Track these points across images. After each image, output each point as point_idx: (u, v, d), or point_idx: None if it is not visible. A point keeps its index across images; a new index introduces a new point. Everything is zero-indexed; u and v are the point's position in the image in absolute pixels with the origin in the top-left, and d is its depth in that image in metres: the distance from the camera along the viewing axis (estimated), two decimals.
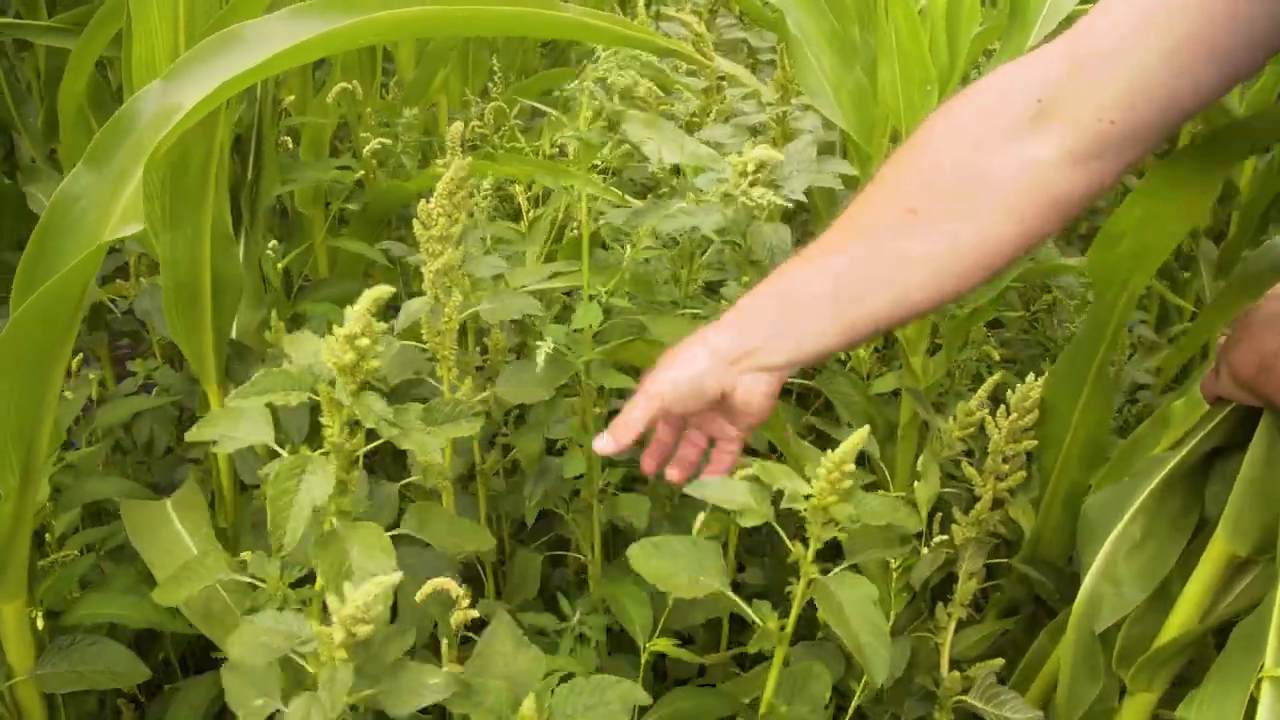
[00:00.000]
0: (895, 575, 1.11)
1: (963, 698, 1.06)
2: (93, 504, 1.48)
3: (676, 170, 1.38)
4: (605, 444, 0.87)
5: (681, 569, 0.80)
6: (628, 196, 1.92)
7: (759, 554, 1.48)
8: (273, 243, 1.29)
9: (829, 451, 0.76)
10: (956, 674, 1.08)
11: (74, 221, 0.86)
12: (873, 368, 1.49)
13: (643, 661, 1.00)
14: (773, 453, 1.37)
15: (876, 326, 0.80)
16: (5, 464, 0.89)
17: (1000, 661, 1.07)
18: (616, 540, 1.33)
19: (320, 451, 0.73)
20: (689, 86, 1.87)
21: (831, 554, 0.95)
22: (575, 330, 1.06)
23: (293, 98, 1.50)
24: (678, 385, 0.83)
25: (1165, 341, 1.88)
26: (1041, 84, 0.72)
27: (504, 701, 0.72)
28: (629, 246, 1.18)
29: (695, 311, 1.24)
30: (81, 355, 1.54)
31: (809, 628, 1.07)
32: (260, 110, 1.31)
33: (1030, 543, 1.22)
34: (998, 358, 1.59)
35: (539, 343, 0.95)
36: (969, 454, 1.25)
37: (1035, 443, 1.11)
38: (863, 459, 1.38)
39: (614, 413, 0.89)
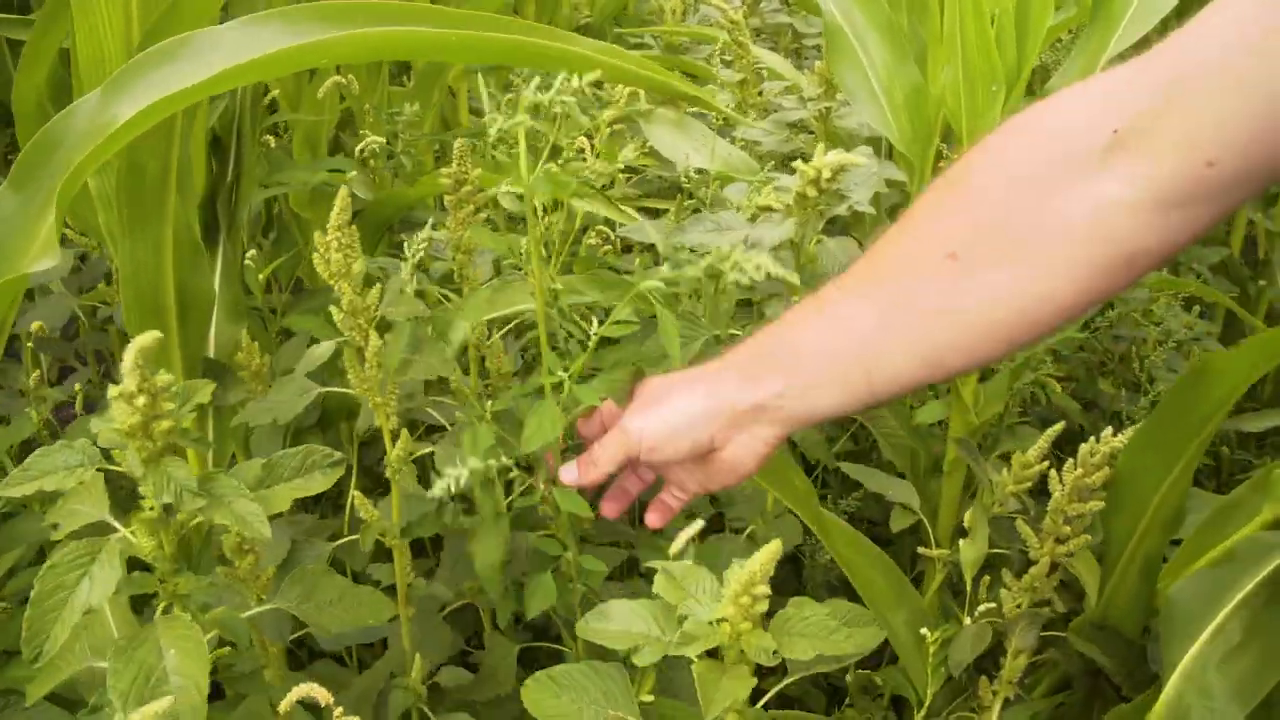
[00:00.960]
0: (931, 649, 0.96)
1: None
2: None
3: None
4: (569, 475, 0.78)
5: (586, 704, 0.67)
6: (637, 206, 1.78)
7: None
8: (251, 252, 1.17)
9: (736, 566, 0.62)
10: None
11: None
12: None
13: None
14: None
15: (902, 389, 0.67)
16: None
17: None
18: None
19: (126, 531, 0.61)
20: (723, 81, 1.72)
21: None
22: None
23: (277, 92, 1.37)
24: (665, 432, 0.72)
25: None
26: (1119, 110, 0.57)
27: None
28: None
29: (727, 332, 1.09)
30: (55, 367, 1.43)
31: None
32: (240, 106, 1.19)
33: (1095, 611, 1.06)
34: (1058, 388, 1.42)
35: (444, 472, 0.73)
36: (1023, 509, 1.10)
37: (1103, 504, 0.95)
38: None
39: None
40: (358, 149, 1.34)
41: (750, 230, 0.94)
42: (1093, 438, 0.96)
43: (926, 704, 1.01)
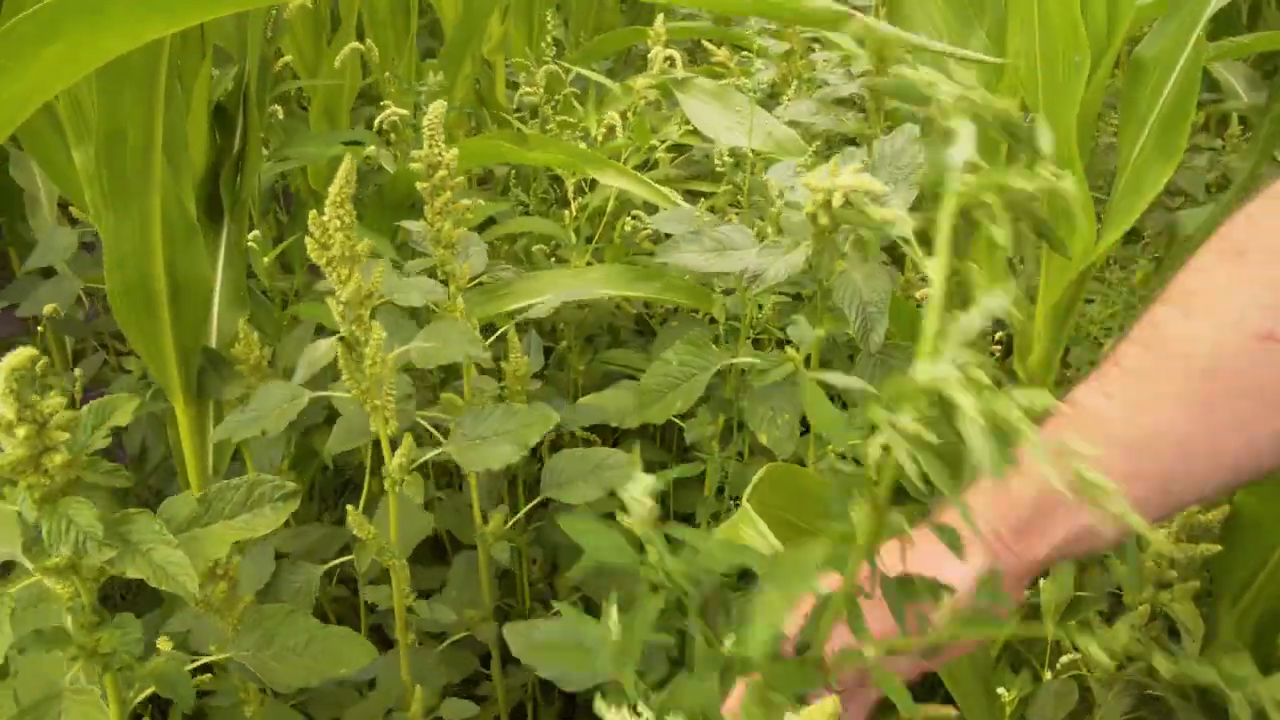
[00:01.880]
0: (1008, 709, 0.84)
1: None
2: None
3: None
4: None
5: None
6: (682, 189, 1.66)
7: None
8: (253, 233, 1.08)
9: None
10: None
11: None
12: None
13: None
14: None
15: (1201, 499, 0.59)
16: None
17: None
18: None
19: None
20: (766, 52, 1.60)
21: None
22: None
23: (289, 58, 1.28)
24: None
25: None
26: None
27: None
28: None
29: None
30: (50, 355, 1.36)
31: None
32: (245, 72, 1.10)
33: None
34: None
35: None
36: None
37: (1219, 548, 0.82)
38: None
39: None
40: (376, 121, 1.24)
41: (754, 260, 0.82)
42: None
43: None
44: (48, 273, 1.24)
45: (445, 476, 1.24)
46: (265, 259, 1.12)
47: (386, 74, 1.35)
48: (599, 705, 0.44)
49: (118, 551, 0.53)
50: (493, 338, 1.01)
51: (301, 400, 0.76)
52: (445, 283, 0.90)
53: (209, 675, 0.75)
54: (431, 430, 0.94)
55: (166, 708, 0.88)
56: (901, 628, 0.45)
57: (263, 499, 0.63)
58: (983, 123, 0.33)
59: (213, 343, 1.13)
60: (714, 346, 1.00)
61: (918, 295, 1.36)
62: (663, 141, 1.34)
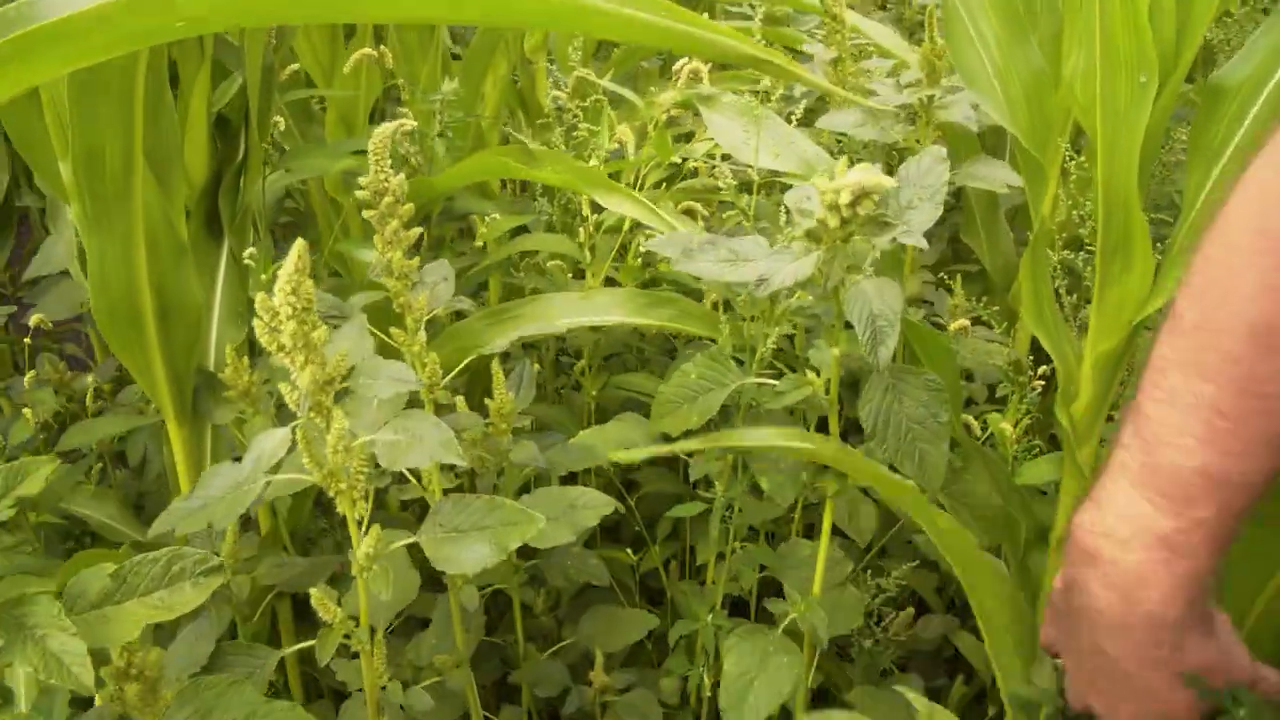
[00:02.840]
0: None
1: None
2: (79, 531, 1.29)
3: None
4: None
5: None
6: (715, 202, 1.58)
7: None
8: (249, 250, 1.03)
9: None
10: None
11: None
12: (1018, 446, 1.11)
13: None
14: None
15: None
16: None
17: None
18: None
19: None
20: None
21: None
22: None
23: (295, 67, 1.23)
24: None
25: None
26: None
27: None
28: None
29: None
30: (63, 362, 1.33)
31: None
32: (247, 83, 1.04)
33: None
34: None
35: None
36: None
37: None
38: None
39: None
40: (388, 129, 1.18)
41: (763, 266, 0.74)
42: None
43: None
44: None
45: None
46: (264, 276, 1.07)
47: (401, 81, 1.29)
48: None
49: (5, 640, 0.48)
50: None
51: (254, 488, 0.69)
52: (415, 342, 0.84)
53: None
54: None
55: None
56: None
57: (183, 574, 0.57)
58: None
59: (210, 362, 1.09)
60: (735, 366, 0.93)
61: (951, 327, 1.27)
62: (683, 160, 1.26)
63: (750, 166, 1.67)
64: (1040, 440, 1.14)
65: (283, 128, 1.15)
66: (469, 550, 0.70)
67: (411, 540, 0.74)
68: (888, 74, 1.54)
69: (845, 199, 0.68)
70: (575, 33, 1.48)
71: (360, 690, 0.81)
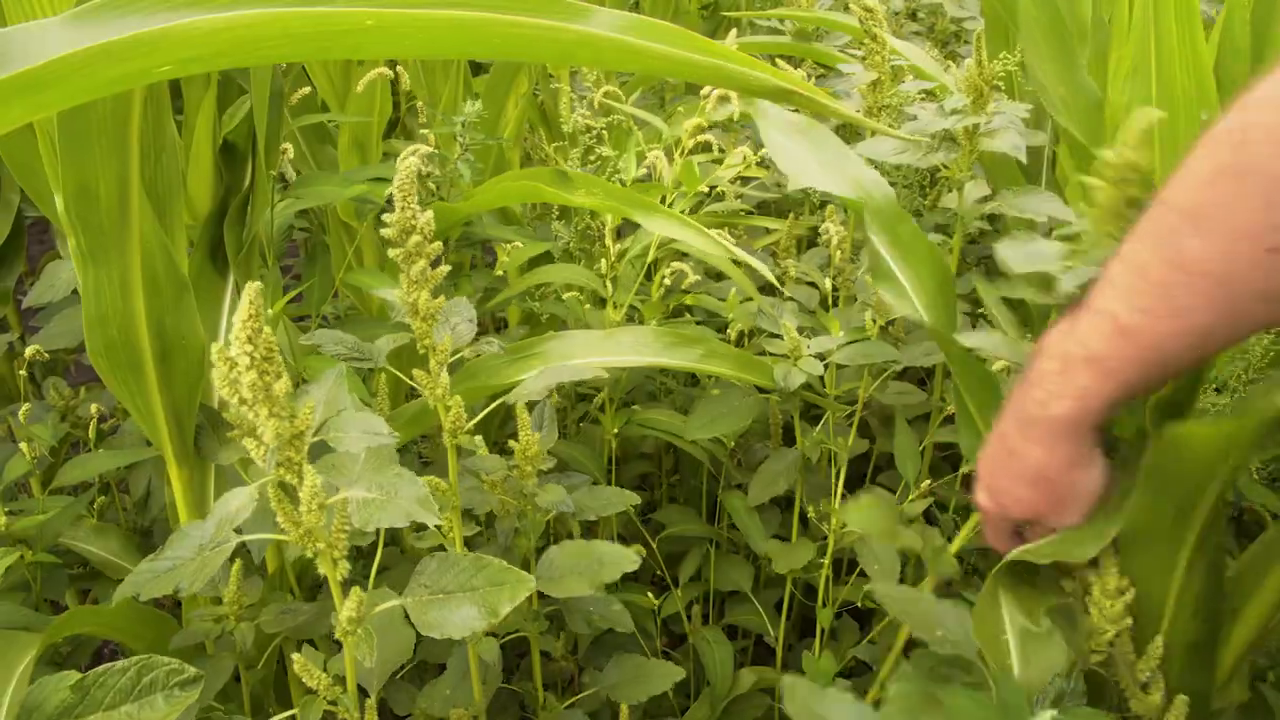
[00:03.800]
0: None
1: None
2: (81, 566, 1.25)
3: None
4: None
5: None
6: (745, 224, 1.52)
7: None
8: (254, 283, 0.98)
9: None
10: None
11: None
12: None
13: None
14: None
15: None
16: None
17: None
18: None
19: None
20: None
21: None
22: None
23: (307, 90, 1.18)
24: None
25: None
26: None
27: None
28: None
29: None
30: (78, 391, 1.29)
31: None
32: (254, 108, 1.00)
33: None
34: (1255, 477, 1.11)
35: None
36: None
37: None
38: None
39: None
40: (403, 154, 1.13)
41: None
42: None
43: None
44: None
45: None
46: (273, 309, 1.02)
47: (419, 102, 1.25)
48: None
49: None
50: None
51: (226, 548, 0.65)
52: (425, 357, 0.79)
53: None
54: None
55: None
56: None
57: (154, 686, 0.52)
58: None
59: (215, 401, 1.04)
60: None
61: (995, 365, 1.20)
62: (712, 186, 1.21)
63: (782, 186, 1.61)
64: None
65: (292, 154, 1.10)
66: (456, 614, 0.66)
67: (397, 603, 0.69)
68: (921, 94, 1.48)
69: None
70: (601, 68, 1.44)
71: None
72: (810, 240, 1.57)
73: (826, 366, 1.13)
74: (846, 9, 1.95)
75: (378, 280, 1.10)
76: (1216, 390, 0.98)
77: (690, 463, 1.42)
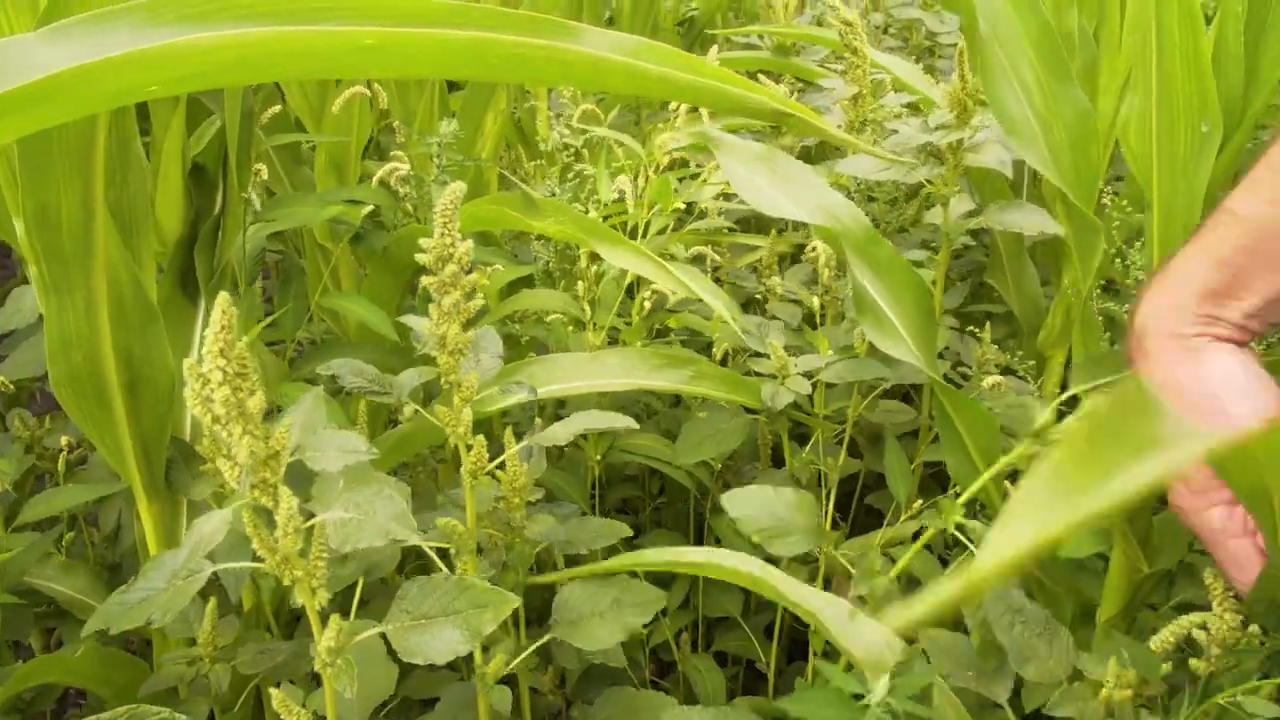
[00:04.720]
0: None
1: None
2: (48, 605, 1.20)
3: None
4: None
5: None
6: (728, 242, 1.50)
7: None
8: (223, 294, 0.95)
9: None
10: None
11: None
12: None
13: None
14: None
15: None
16: None
17: None
18: None
19: None
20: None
21: None
22: None
23: (278, 108, 1.15)
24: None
25: None
26: None
27: None
28: None
29: None
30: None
31: None
32: (226, 128, 0.97)
33: None
34: None
35: None
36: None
37: None
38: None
39: None
40: (379, 174, 1.11)
41: None
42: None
43: None
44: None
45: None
46: (246, 337, 0.99)
47: (397, 122, 1.22)
48: None
49: None
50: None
51: (200, 577, 0.62)
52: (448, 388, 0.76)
53: None
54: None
55: None
56: None
57: None
58: None
59: (186, 433, 1.01)
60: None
61: (985, 382, 1.19)
62: (689, 204, 1.19)
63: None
64: None
65: (265, 175, 1.07)
66: (438, 638, 0.63)
67: (378, 630, 0.66)
68: (905, 108, 1.47)
69: None
70: (605, 92, 1.42)
71: None
72: (794, 256, 1.55)
73: (815, 385, 1.11)
74: (821, 23, 1.95)
75: (357, 304, 1.07)
76: None
77: (675, 486, 1.39)
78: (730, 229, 1.52)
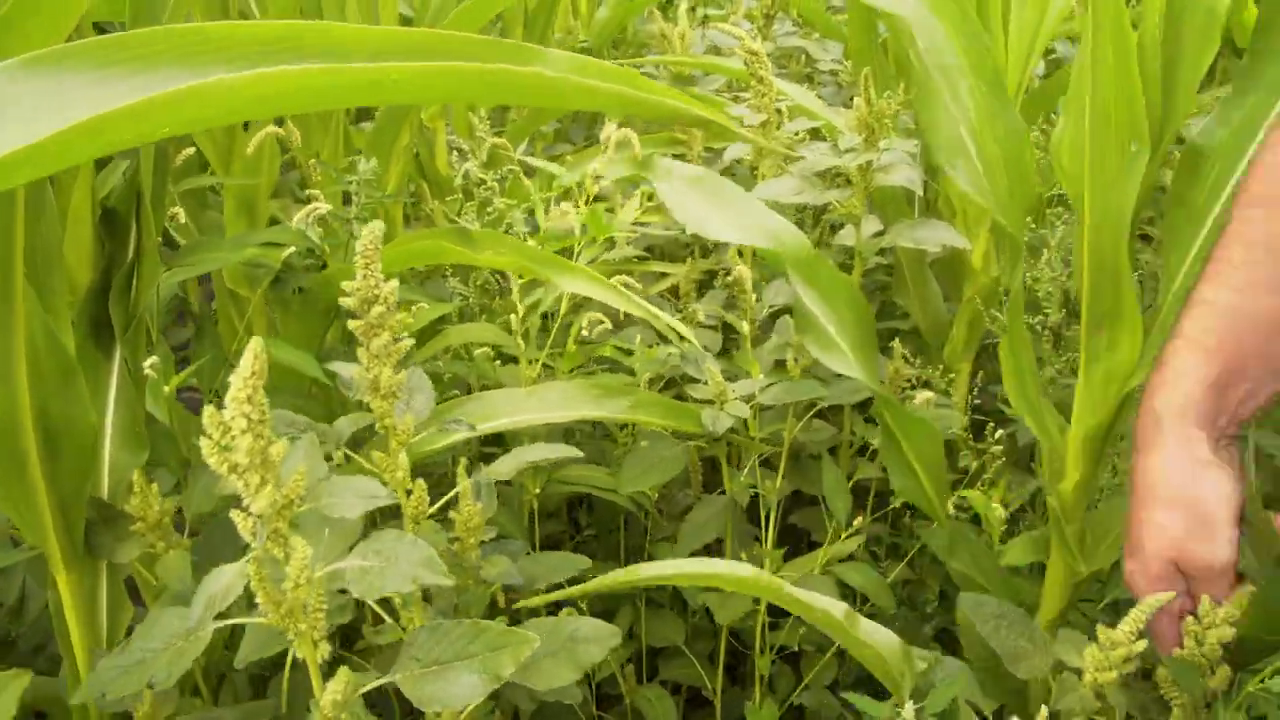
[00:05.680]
0: None
1: None
2: None
3: None
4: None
5: None
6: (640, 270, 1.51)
7: None
8: (150, 360, 0.90)
9: None
10: None
11: None
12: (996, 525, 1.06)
13: None
14: None
15: None
16: None
17: None
18: None
19: None
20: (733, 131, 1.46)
21: None
22: None
23: (191, 150, 1.10)
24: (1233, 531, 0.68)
25: None
26: None
27: None
28: None
29: None
30: None
31: None
32: (138, 173, 0.92)
33: None
34: None
35: None
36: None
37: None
38: None
39: None
40: (299, 215, 1.07)
41: None
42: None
43: None
44: None
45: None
46: (167, 389, 0.94)
47: (312, 160, 1.18)
48: None
49: None
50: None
51: (203, 636, 0.58)
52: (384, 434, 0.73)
53: None
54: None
55: None
56: None
57: None
58: None
59: (104, 491, 0.95)
60: None
61: (917, 398, 1.23)
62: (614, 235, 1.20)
63: (671, 229, 1.61)
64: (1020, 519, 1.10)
65: (183, 218, 1.02)
66: (455, 684, 0.61)
67: (385, 680, 0.63)
68: (807, 133, 1.51)
69: None
70: (563, 108, 1.41)
71: None
72: (706, 282, 1.57)
73: (752, 409, 1.12)
74: (720, 53, 1.98)
75: (280, 349, 1.02)
76: None
77: (603, 518, 1.39)
78: (641, 258, 1.54)
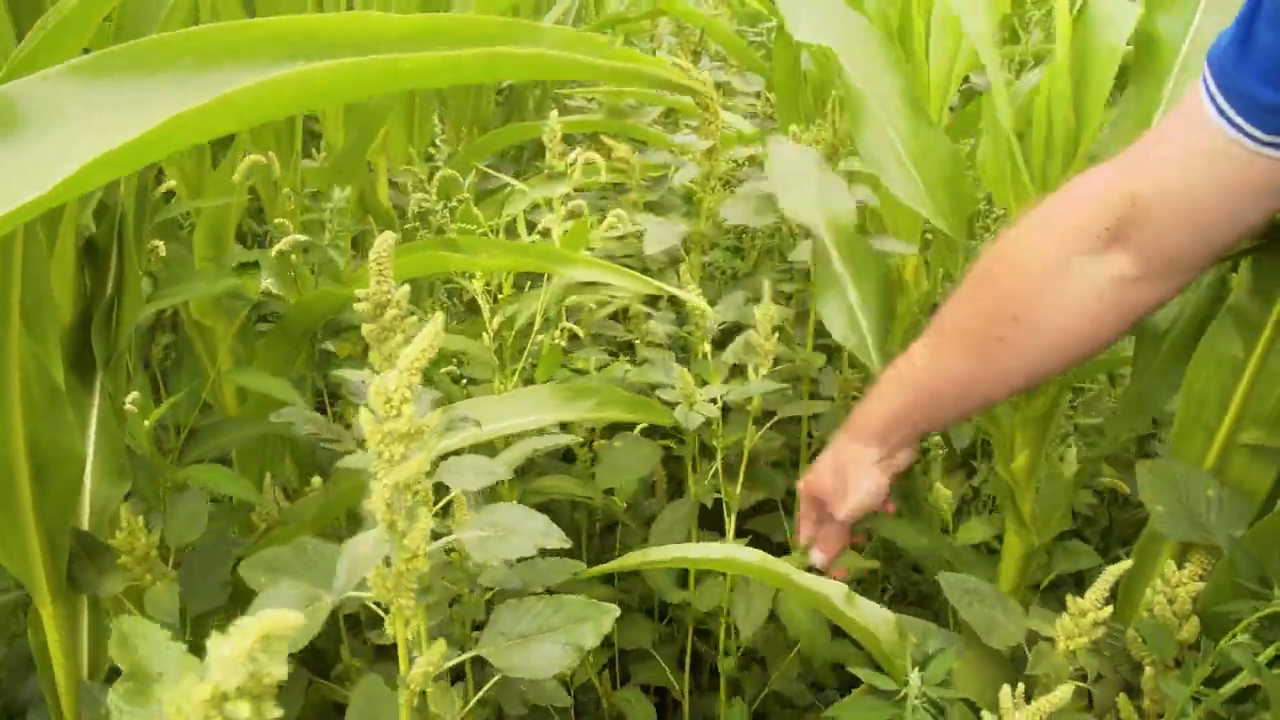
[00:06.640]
0: None
1: None
2: None
3: None
4: (820, 559, 1.00)
5: None
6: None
7: None
8: (132, 395, 0.91)
9: None
10: None
11: None
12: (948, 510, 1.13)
13: None
14: None
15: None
16: None
17: None
18: None
19: None
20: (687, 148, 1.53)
21: None
22: None
23: (172, 182, 1.12)
24: (865, 507, 0.94)
25: None
26: (1105, 213, 0.76)
27: None
28: None
29: None
30: None
31: None
32: (121, 205, 0.94)
33: None
34: (1126, 488, 1.26)
35: None
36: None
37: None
38: None
39: None
40: (277, 245, 1.09)
41: None
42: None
43: None
44: None
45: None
46: (147, 422, 0.95)
47: (286, 190, 1.21)
48: None
49: None
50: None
51: (322, 609, 0.59)
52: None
53: None
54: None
55: None
56: None
57: None
58: None
59: (85, 523, 0.95)
60: None
61: None
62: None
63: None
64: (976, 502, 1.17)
65: (163, 252, 1.04)
66: (538, 654, 0.66)
67: (477, 653, 0.67)
68: (747, 159, 1.58)
69: None
70: (556, 78, 1.44)
71: None
72: (651, 303, 1.62)
73: (718, 410, 1.17)
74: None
75: (256, 378, 1.05)
76: None
77: (576, 527, 1.42)
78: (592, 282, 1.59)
